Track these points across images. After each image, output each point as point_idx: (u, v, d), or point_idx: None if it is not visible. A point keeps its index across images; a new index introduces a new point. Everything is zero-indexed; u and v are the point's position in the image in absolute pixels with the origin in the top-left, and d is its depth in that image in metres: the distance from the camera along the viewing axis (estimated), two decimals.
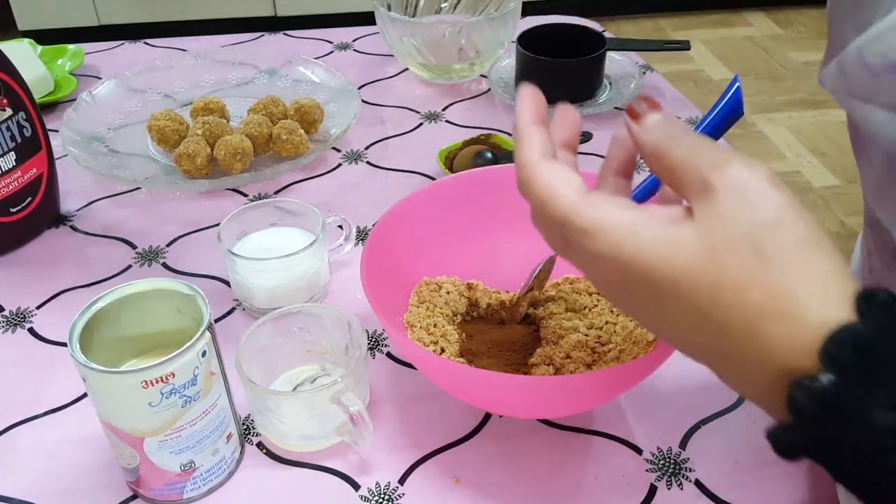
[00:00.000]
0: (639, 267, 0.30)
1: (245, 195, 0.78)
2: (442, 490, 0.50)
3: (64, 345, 0.58)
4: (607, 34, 0.95)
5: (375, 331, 0.62)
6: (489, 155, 0.77)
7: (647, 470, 0.51)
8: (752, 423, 0.53)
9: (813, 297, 0.27)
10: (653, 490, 0.49)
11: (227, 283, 0.66)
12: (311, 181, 0.80)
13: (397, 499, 0.49)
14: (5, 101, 0.65)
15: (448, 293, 0.59)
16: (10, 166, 0.68)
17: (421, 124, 0.89)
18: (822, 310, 0.27)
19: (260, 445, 0.53)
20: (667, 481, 0.50)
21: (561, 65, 0.89)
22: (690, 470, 0.50)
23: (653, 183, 0.45)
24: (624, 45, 0.95)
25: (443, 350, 0.55)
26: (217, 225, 0.64)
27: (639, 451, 0.52)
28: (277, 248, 0.62)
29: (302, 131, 0.79)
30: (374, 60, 1.03)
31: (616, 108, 0.90)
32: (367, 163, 0.82)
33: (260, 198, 0.77)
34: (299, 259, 0.60)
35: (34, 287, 0.67)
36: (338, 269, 0.67)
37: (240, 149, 0.76)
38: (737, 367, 0.30)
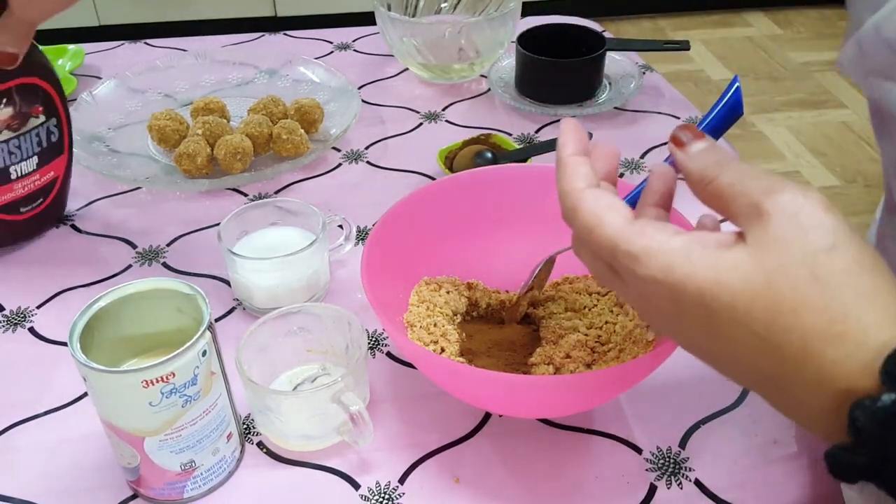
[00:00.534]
0: (692, 289, 0.30)
1: (245, 195, 0.78)
2: (442, 489, 0.50)
3: (64, 344, 0.58)
4: (607, 34, 0.95)
5: (375, 330, 0.62)
6: (489, 155, 0.77)
7: (646, 469, 0.51)
8: (752, 422, 0.53)
9: (871, 317, 0.28)
10: (652, 489, 0.49)
11: (227, 282, 0.66)
12: (311, 181, 0.80)
13: (397, 498, 0.49)
14: (41, 108, 0.65)
15: (448, 293, 0.59)
16: (31, 170, 0.68)
17: (421, 124, 0.89)
18: (881, 330, 0.27)
19: (260, 445, 0.53)
20: (666, 481, 0.50)
21: (561, 65, 0.89)
22: (690, 469, 0.51)
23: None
24: (624, 45, 0.95)
25: (443, 350, 0.55)
26: (217, 224, 0.64)
27: (638, 450, 0.52)
28: (278, 247, 0.62)
29: (302, 131, 0.79)
30: (374, 60, 1.03)
31: (616, 108, 0.90)
32: (367, 163, 0.83)
33: (260, 197, 0.77)
34: (299, 259, 0.60)
35: (34, 286, 0.67)
36: (338, 269, 0.67)
37: (240, 148, 0.76)
38: (793, 391, 0.30)
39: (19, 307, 0.65)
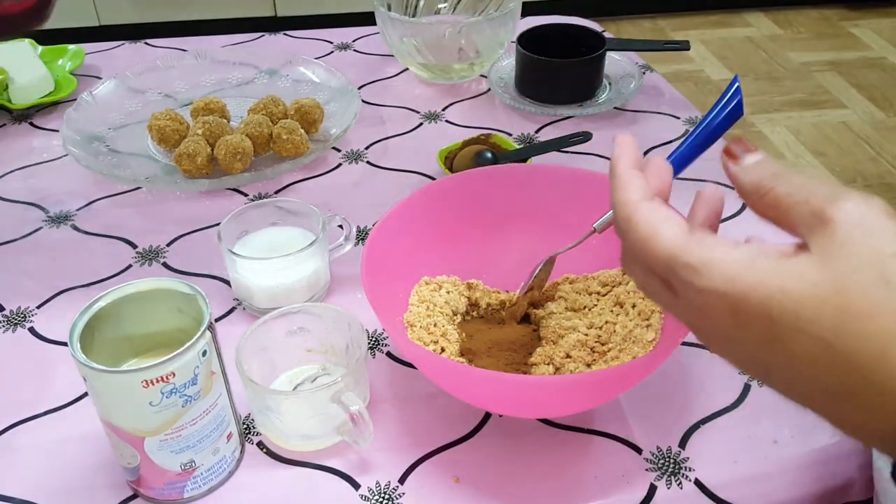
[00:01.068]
0: (755, 300, 0.29)
1: (245, 195, 0.78)
2: (442, 489, 0.50)
3: (64, 344, 0.58)
4: (607, 34, 0.95)
5: (375, 330, 0.62)
6: (489, 155, 0.77)
7: (646, 469, 0.51)
8: (752, 422, 0.53)
9: None
10: (652, 489, 0.49)
11: (227, 282, 0.66)
12: (311, 181, 0.80)
13: (397, 498, 0.49)
14: None
15: (448, 293, 0.59)
16: None
17: (421, 124, 0.89)
18: None
19: (260, 445, 0.53)
20: (666, 480, 0.50)
21: (561, 65, 0.89)
22: (690, 469, 0.51)
23: (689, 149, 0.46)
24: (623, 45, 0.95)
25: (443, 350, 0.55)
26: (217, 224, 0.64)
27: (638, 450, 0.52)
28: (278, 247, 0.62)
29: (302, 131, 0.79)
30: (374, 60, 1.03)
31: (616, 108, 0.90)
32: (368, 163, 0.83)
33: (260, 197, 0.77)
34: (299, 259, 0.60)
35: (35, 286, 0.67)
36: (338, 269, 0.67)
37: (240, 148, 0.76)
38: (863, 403, 0.29)
39: (19, 307, 0.65)
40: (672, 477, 0.50)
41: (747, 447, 0.52)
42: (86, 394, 0.56)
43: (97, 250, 0.71)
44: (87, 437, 0.53)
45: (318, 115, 0.83)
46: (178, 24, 2.42)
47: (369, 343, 0.60)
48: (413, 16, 1.01)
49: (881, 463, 0.46)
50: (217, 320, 0.63)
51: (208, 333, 0.45)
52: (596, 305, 0.58)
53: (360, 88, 0.95)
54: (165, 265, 0.69)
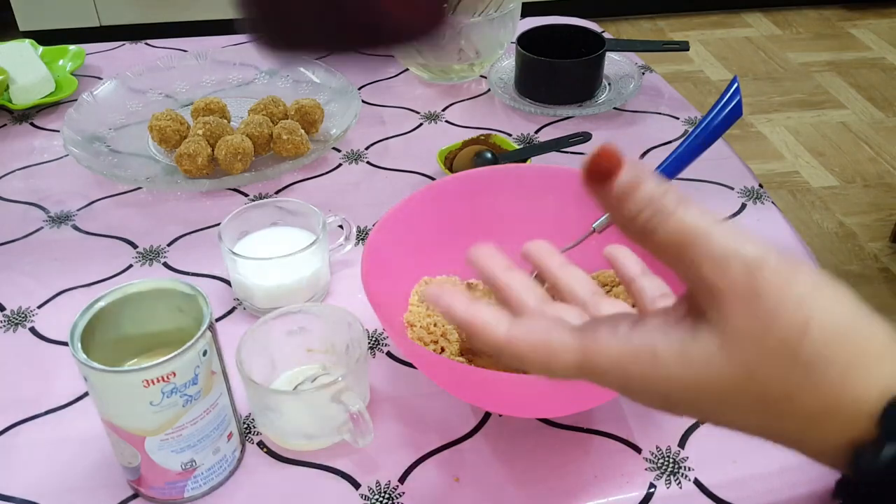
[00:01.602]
0: (676, 392, 0.29)
1: (246, 195, 0.78)
2: (442, 489, 0.50)
3: (65, 344, 0.58)
4: (606, 35, 0.95)
5: (375, 330, 0.62)
6: (489, 155, 0.77)
7: (646, 469, 0.51)
8: None
9: (864, 384, 0.27)
10: (652, 489, 0.50)
11: (227, 282, 0.67)
12: (311, 181, 0.80)
13: (397, 498, 0.49)
14: None
15: None
16: None
17: (421, 124, 0.89)
18: (879, 392, 0.27)
19: (261, 444, 0.53)
20: (666, 480, 0.50)
21: (560, 66, 0.89)
22: (689, 469, 0.51)
23: (688, 149, 0.45)
24: (623, 45, 0.96)
25: (443, 349, 0.55)
26: (218, 225, 0.64)
27: (638, 450, 0.52)
28: (278, 247, 0.62)
29: (302, 131, 0.79)
30: (375, 61, 1.03)
31: (615, 108, 0.90)
32: (368, 163, 0.83)
33: (260, 197, 0.77)
34: (300, 259, 0.61)
35: (35, 286, 0.67)
36: (338, 269, 0.67)
37: (240, 149, 0.76)
38: (801, 450, 0.30)
39: (20, 307, 0.65)
40: (671, 477, 0.50)
41: (747, 447, 0.52)
42: (86, 393, 0.56)
43: (98, 250, 0.71)
44: (88, 436, 0.53)
45: (319, 116, 0.83)
46: (178, 24, 2.42)
47: (369, 343, 0.60)
48: None
49: None
50: (217, 320, 0.63)
51: (209, 333, 0.45)
52: None
53: (360, 89, 0.95)
54: (166, 265, 0.69)
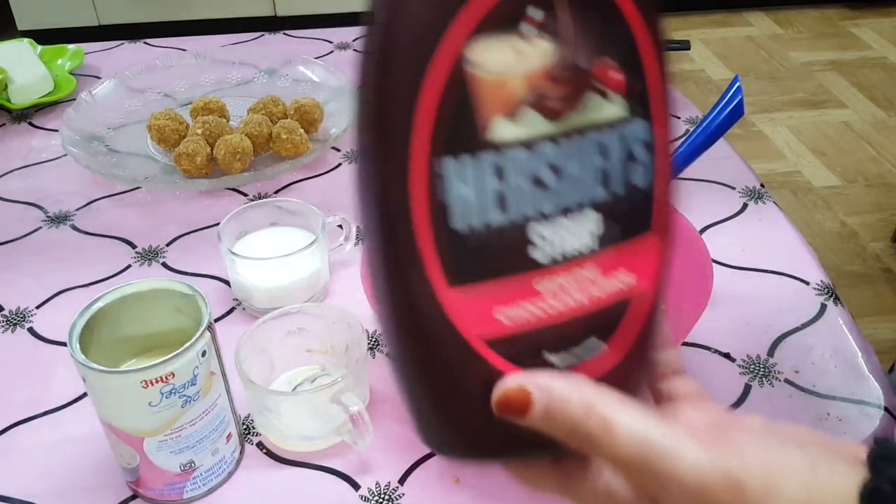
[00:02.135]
0: None
1: (245, 195, 0.78)
2: (442, 490, 0.50)
3: (64, 344, 0.58)
4: None
5: (375, 331, 0.61)
6: None
7: None
8: None
9: None
10: None
11: (226, 282, 0.66)
12: (311, 181, 0.80)
13: (397, 499, 0.49)
14: None
15: None
16: None
17: None
18: None
19: (260, 445, 0.53)
20: None
21: None
22: None
23: (690, 149, 0.45)
24: None
25: None
26: (217, 224, 0.64)
27: None
28: (277, 247, 0.62)
29: (302, 131, 0.79)
30: None
31: None
32: None
33: (260, 197, 0.77)
34: (299, 259, 0.60)
35: (34, 287, 0.67)
36: (338, 269, 0.67)
37: (240, 148, 0.76)
38: None
39: (18, 307, 0.65)
40: None
41: None
42: (85, 394, 0.56)
43: (96, 250, 0.71)
44: (87, 437, 0.53)
45: (318, 115, 0.83)
46: (177, 23, 2.42)
47: (369, 343, 0.60)
48: None
49: None
50: (216, 320, 0.63)
51: (208, 334, 0.45)
52: None
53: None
54: (165, 265, 0.69)
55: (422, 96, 0.24)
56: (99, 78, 0.97)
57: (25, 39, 0.98)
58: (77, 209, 0.76)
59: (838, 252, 1.72)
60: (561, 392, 0.26)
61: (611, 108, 0.27)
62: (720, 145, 0.68)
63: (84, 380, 0.44)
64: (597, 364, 0.28)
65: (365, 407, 0.49)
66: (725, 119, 0.45)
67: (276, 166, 0.76)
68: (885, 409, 0.54)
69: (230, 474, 0.51)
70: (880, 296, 1.61)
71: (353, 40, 1.07)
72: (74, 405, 0.56)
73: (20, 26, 2.37)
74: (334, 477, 0.51)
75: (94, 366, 0.43)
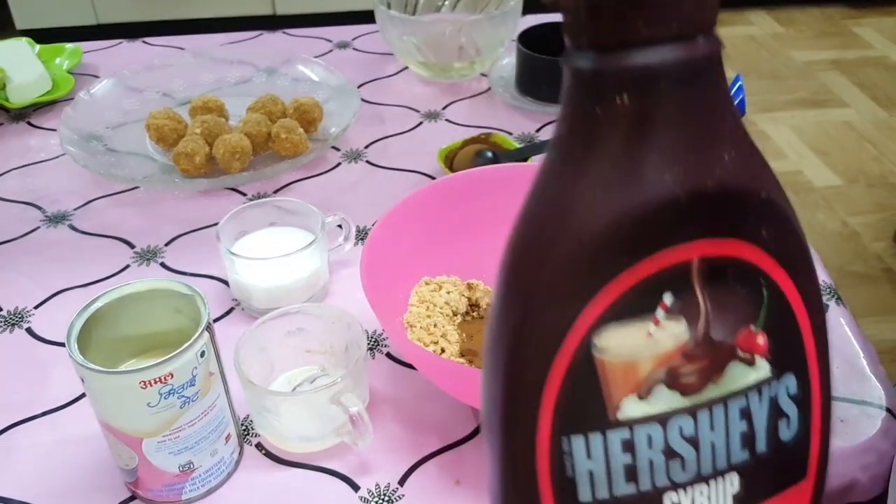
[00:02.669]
0: None
1: (244, 194, 0.78)
2: (442, 491, 0.49)
3: (62, 345, 0.58)
4: None
5: (375, 331, 0.61)
6: (489, 154, 0.77)
7: None
8: None
9: None
10: None
11: (225, 282, 0.66)
12: (310, 180, 0.80)
13: (397, 500, 0.49)
14: None
15: (448, 293, 0.59)
16: None
17: (421, 123, 0.89)
18: None
19: (259, 446, 0.53)
20: None
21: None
22: None
23: None
24: None
25: (443, 350, 0.54)
26: (216, 224, 0.63)
27: None
28: (277, 247, 0.61)
29: (301, 130, 0.79)
30: (374, 59, 1.02)
31: None
32: (367, 162, 0.82)
33: (259, 197, 0.77)
34: (299, 259, 0.60)
35: (32, 287, 0.66)
36: (338, 269, 0.67)
37: (238, 148, 0.76)
38: None
39: (17, 307, 0.64)
40: None
41: None
42: (83, 395, 0.56)
43: (95, 250, 0.71)
44: (85, 438, 0.52)
45: (318, 114, 0.83)
46: (176, 22, 2.41)
47: (369, 343, 0.60)
48: (413, 14, 1.00)
49: None
50: (215, 321, 0.63)
51: (206, 334, 0.45)
52: None
53: (359, 87, 0.94)
54: (163, 265, 0.69)
55: (549, 380, 0.23)
56: (97, 77, 0.97)
57: (23, 38, 0.97)
58: (75, 209, 0.76)
59: (840, 252, 1.72)
60: None
61: (754, 372, 0.25)
62: None
63: (82, 380, 0.44)
64: None
65: (365, 407, 0.49)
66: None
67: (275, 166, 0.76)
68: (887, 409, 0.54)
69: (229, 475, 0.50)
70: (882, 296, 1.61)
71: (353, 39, 1.07)
72: (73, 406, 0.56)
73: (18, 25, 2.37)
74: (334, 478, 0.50)
75: (93, 366, 0.42)
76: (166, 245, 0.71)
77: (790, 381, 0.26)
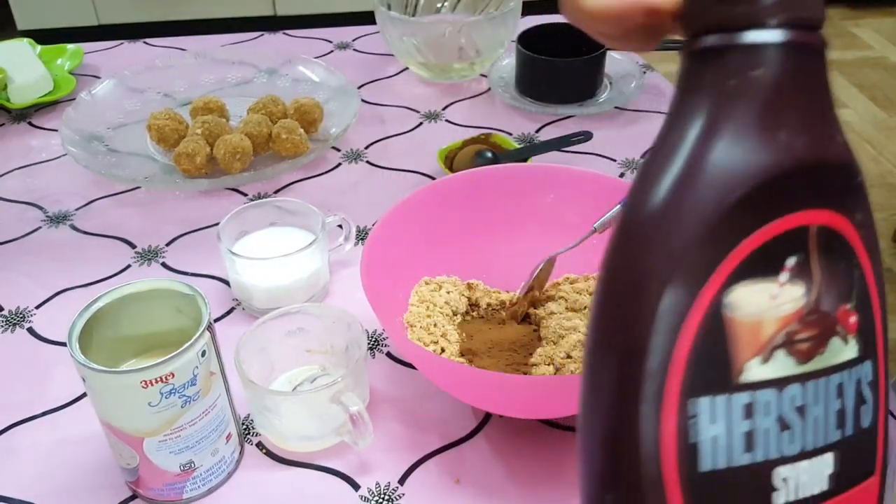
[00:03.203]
0: None
1: (245, 195, 0.78)
2: (442, 490, 0.50)
3: (63, 344, 0.58)
4: None
5: (375, 331, 0.61)
6: (489, 154, 0.77)
7: None
8: None
9: None
10: None
11: (226, 282, 0.66)
12: (310, 180, 0.80)
13: (397, 499, 0.49)
14: None
15: (448, 293, 0.59)
16: None
17: (421, 124, 0.89)
18: None
19: (259, 445, 0.53)
20: None
21: (561, 64, 0.89)
22: None
23: None
24: None
25: (443, 350, 0.54)
26: (217, 224, 0.64)
27: None
28: (277, 247, 0.62)
29: (302, 130, 0.79)
30: (374, 60, 1.03)
31: (616, 107, 0.90)
32: (367, 162, 0.82)
33: (259, 197, 0.77)
34: (299, 259, 0.60)
35: (33, 287, 0.67)
36: (338, 269, 0.67)
37: (239, 148, 0.76)
38: None
39: (18, 307, 0.65)
40: None
41: None
42: (84, 394, 0.56)
43: (96, 250, 0.71)
44: (86, 437, 0.53)
45: (318, 115, 0.83)
46: (177, 23, 2.42)
47: (369, 343, 0.60)
48: (413, 15, 1.00)
49: None
50: (216, 321, 0.63)
51: (207, 334, 0.45)
52: None
53: (359, 88, 0.95)
54: (164, 265, 0.69)
55: (680, 340, 0.24)
56: (98, 77, 0.97)
57: (25, 39, 0.97)
58: (77, 209, 0.76)
59: None
60: None
61: (847, 351, 0.26)
62: None
63: (84, 380, 0.44)
64: None
65: (365, 407, 0.49)
66: None
67: (275, 166, 0.76)
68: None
69: (230, 474, 0.51)
70: None
71: (353, 40, 1.07)
72: (74, 405, 0.56)
73: (20, 26, 2.37)
74: (334, 477, 0.51)
75: (94, 366, 0.43)
76: (167, 245, 0.71)
77: (868, 368, 0.27)
